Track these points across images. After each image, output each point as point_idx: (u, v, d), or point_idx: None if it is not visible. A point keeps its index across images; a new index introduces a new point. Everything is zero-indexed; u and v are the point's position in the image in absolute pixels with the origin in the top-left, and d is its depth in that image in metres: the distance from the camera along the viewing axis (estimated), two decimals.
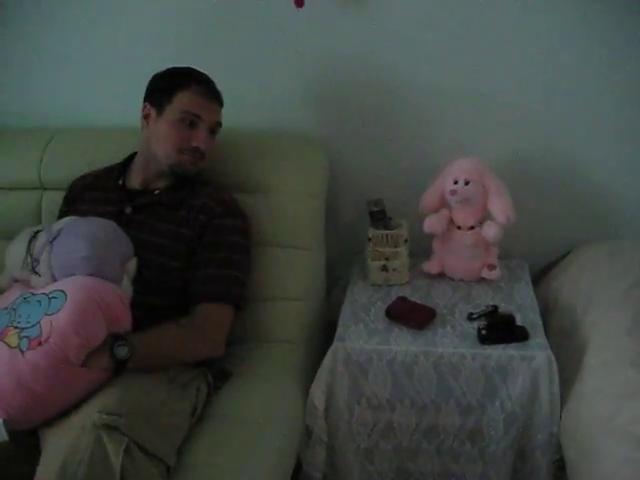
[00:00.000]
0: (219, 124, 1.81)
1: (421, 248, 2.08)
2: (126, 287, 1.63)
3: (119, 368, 1.48)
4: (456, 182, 1.91)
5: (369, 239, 2.02)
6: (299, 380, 1.81)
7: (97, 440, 1.31)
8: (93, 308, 1.44)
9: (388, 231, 2.02)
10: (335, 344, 1.76)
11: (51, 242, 1.62)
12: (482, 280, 2.01)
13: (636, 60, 1.97)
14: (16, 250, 1.67)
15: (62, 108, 2.20)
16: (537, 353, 1.70)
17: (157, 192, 1.80)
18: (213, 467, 1.47)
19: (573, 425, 1.63)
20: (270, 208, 1.88)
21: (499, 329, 1.74)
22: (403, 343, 1.75)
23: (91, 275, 1.54)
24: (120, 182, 1.84)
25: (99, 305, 1.45)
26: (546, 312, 1.97)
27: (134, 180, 1.84)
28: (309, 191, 1.93)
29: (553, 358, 1.70)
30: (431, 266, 2.04)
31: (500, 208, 1.89)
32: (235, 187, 1.88)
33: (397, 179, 2.15)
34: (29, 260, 1.63)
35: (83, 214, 1.77)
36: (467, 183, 1.90)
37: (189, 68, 1.82)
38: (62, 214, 1.87)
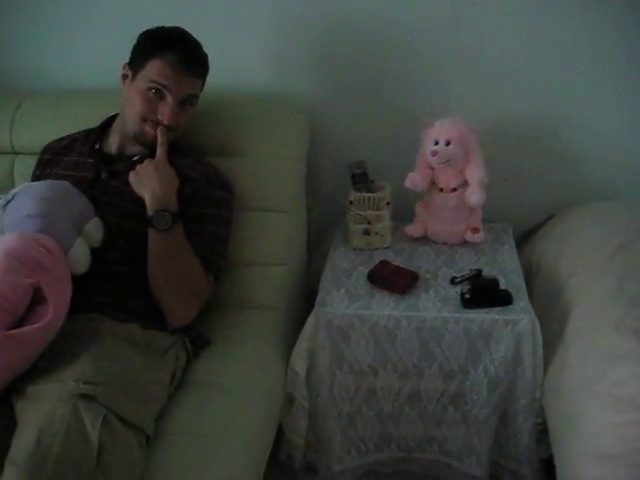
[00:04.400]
0: (193, 96, 1.73)
1: (404, 211, 2.04)
2: (78, 247, 1.58)
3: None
4: (437, 143, 1.87)
5: (351, 202, 1.98)
6: (280, 346, 1.79)
7: (74, 411, 1.27)
8: (7, 265, 1.39)
9: (370, 194, 1.98)
10: (316, 309, 1.73)
11: (4, 206, 1.58)
12: (465, 243, 1.98)
13: (626, 27, 1.93)
14: None
15: (32, 71, 2.14)
16: (521, 317, 1.67)
17: (135, 158, 1.74)
18: (193, 435, 1.44)
19: (556, 389, 1.62)
20: (247, 171, 1.83)
21: (482, 293, 1.71)
22: (385, 308, 1.72)
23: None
24: (97, 146, 1.78)
25: (14, 258, 1.40)
26: (529, 276, 1.95)
27: (111, 144, 1.78)
28: (287, 154, 1.88)
29: (537, 322, 1.67)
30: (414, 229, 2.01)
31: (475, 173, 1.86)
32: (213, 151, 1.83)
33: (380, 141, 2.11)
34: None
35: (58, 178, 1.72)
36: (448, 143, 1.86)
37: (175, 30, 1.73)
38: (35, 178, 1.82)
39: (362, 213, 1.96)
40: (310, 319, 1.73)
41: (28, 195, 1.59)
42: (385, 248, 1.98)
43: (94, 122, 1.82)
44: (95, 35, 2.06)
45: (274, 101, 1.99)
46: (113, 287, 1.63)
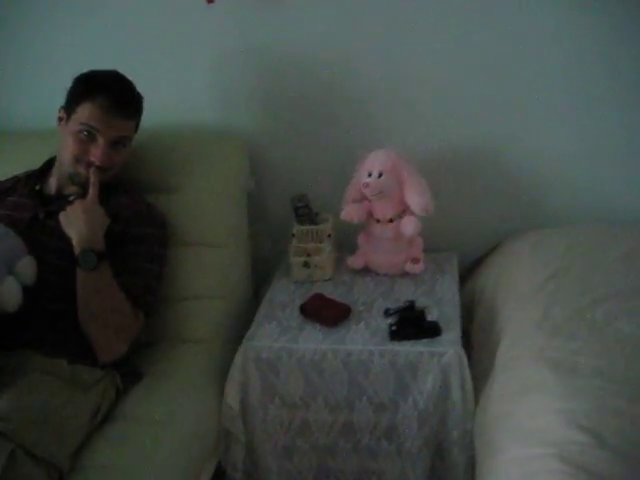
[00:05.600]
0: (125, 137, 1.78)
1: (350, 244, 2.05)
2: (8, 285, 1.60)
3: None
4: (370, 174, 1.88)
5: (293, 235, 2.01)
6: (216, 380, 1.80)
7: None
8: None
9: (312, 226, 2.00)
10: (244, 343, 1.75)
11: None
12: (406, 274, 1.98)
13: (567, 41, 1.93)
14: None
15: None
16: (447, 349, 1.67)
17: (71, 198, 1.79)
18: (110, 468, 1.46)
19: (481, 422, 1.60)
20: (183, 207, 1.87)
21: (410, 325, 1.71)
22: (312, 341, 1.73)
23: None
24: (37, 187, 1.84)
25: None
26: (472, 307, 1.94)
27: (51, 185, 1.84)
28: (222, 189, 1.92)
29: (463, 354, 1.67)
30: (355, 261, 2.02)
31: (416, 201, 1.86)
32: (151, 187, 1.88)
33: (323, 174, 2.13)
34: None
35: (1, 219, 1.78)
36: (380, 175, 1.87)
37: (107, 74, 1.79)
38: None
39: (302, 245, 1.98)
40: (239, 353, 1.74)
41: None
42: (326, 280, 1.99)
43: (36, 164, 1.88)
44: (30, 78, 2.14)
45: (214, 137, 2.04)
46: (44, 323, 1.67)
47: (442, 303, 1.84)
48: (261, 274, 2.17)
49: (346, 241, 2.06)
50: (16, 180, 1.90)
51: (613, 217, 2.04)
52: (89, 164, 1.74)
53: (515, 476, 1.32)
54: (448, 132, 2.06)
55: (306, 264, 1.97)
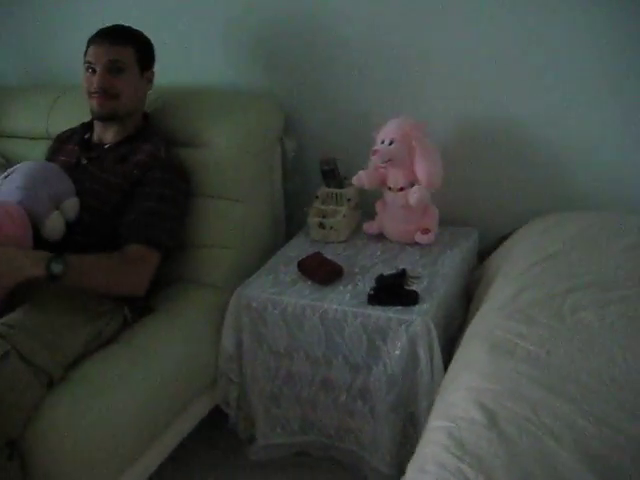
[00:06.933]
0: (118, 61, 1.94)
1: (374, 210, 2.09)
2: (54, 219, 1.86)
3: (53, 283, 1.69)
4: (383, 142, 1.90)
5: (316, 197, 2.08)
6: (221, 323, 1.93)
7: None
8: None
9: (334, 190, 2.06)
10: (237, 291, 1.87)
11: (5, 178, 1.92)
12: (417, 244, 1.98)
13: (599, 23, 1.82)
14: None
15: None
16: (415, 318, 1.68)
17: (106, 146, 2.01)
18: (94, 383, 1.65)
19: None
20: (205, 161, 2.00)
21: (387, 291, 1.74)
22: (296, 296, 1.81)
23: (20, 202, 1.82)
24: (86, 136, 2.08)
25: None
26: (480, 285, 1.90)
27: (95, 134, 2.07)
28: (245, 146, 2.02)
29: (432, 326, 1.67)
30: (370, 226, 2.05)
31: (422, 172, 1.85)
32: (180, 142, 2.03)
33: (353, 139, 2.16)
34: None
35: (59, 164, 2.05)
36: (391, 143, 1.88)
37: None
38: (47, 160, 2.16)
39: (319, 207, 2.05)
40: (232, 299, 1.87)
41: (21, 172, 1.92)
42: (340, 242, 2.05)
43: None
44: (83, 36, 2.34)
45: (246, 96, 2.16)
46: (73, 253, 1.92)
47: (436, 275, 1.84)
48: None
49: (371, 207, 2.09)
50: (72, 131, 2.15)
51: None
52: (96, 92, 1.94)
53: (420, 446, 1.33)
54: (481, 106, 2.00)
55: (321, 225, 2.04)
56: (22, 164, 1.98)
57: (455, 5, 1.92)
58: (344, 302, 1.76)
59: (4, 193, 1.89)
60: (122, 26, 2.00)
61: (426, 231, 1.95)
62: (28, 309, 1.72)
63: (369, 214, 2.10)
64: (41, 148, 2.30)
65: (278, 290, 1.84)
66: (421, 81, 2.04)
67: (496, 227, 2.06)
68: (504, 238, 2.02)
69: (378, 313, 1.71)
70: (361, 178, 1.97)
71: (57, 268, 1.69)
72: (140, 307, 1.92)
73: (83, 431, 1.58)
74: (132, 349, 1.78)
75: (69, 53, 2.23)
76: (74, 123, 2.19)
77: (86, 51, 1.96)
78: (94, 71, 1.95)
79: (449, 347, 1.77)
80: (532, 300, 1.56)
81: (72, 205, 1.94)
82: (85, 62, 1.96)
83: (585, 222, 1.82)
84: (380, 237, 2.05)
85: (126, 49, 1.96)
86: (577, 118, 1.91)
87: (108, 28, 1.98)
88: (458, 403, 1.33)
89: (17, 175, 1.91)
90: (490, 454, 1.18)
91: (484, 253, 2.02)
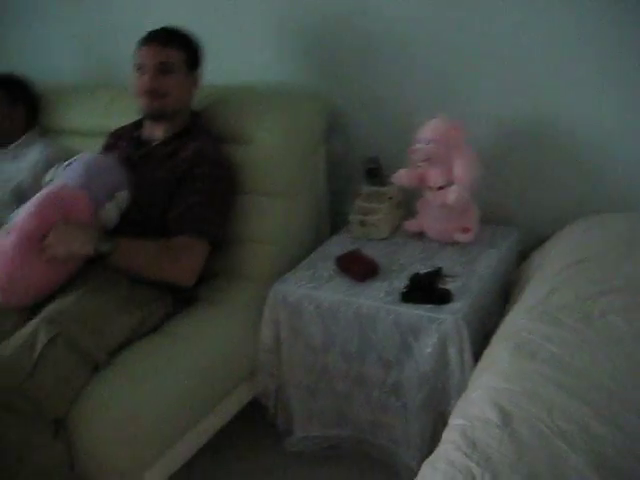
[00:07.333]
0: (166, 63, 2.01)
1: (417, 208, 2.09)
2: (109, 209, 1.96)
3: (101, 260, 1.82)
4: (421, 141, 1.91)
5: (359, 194, 2.11)
6: (260, 315, 1.98)
7: (34, 330, 1.68)
8: (48, 201, 1.83)
9: (376, 188, 2.08)
10: (275, 285, 1.92)
11: (66, 166, 2.04)
12: (456, 243, 1.98)
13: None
14: (50, 174, 2.13)
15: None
16: (446, 317, 1.68)
17: (155, 143, 2.10)
18: (136, 368, 1.73)
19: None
20: (250, 158, 2.05)
21: (420, 290, 1.75)
22: (331, 292, 1.84)
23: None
24: (136, 134, 2.17)
25: (55, 199, 1.84)
26: (518, 285, 1.88)
27: (145, 132, 2.16)
28: (288, 144, 2.06)
29: (463, 325, 1.67)
30: (411, 225, 2.06)
31: (458, 172, 1.85)
32: (228, 139, 2.09)
33: (398, 138, 2.15)
34: (50, 179, 2.07)
35: None
36: (429, 142, 1.88)
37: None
38: None
39: (361, 205, 2.07)
40: (270, 294, 1.92)
41: (81, 162, 2.03)
42: (381, 240, 2.06)
43: None
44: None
45: (293, 95, 2.20)
46: None
47: (473, 274, 1.83)
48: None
49: (415, 206, 2.10)
50: (125, 129, 2.25)
51: None
52: (145, 93, 2.02)
53: (440, 444, 1.34)
54: (527, 105, 1.99)
55: (362, 222, 2.06)
56: (83, 154, 2.08)
57: (495, 8, 1.92)
58: (378, 299, 1.78)
59: (65, 178, 2.00)
60: (171, 28, 2.07)
61: (466, 230, 1.95)
62: (78, 296, 1.81)
63: (412, 213, 2.11)
64: (97, 144, 2.40)
65: (314, 285, 1.88)
66: (468, 81, 2.04)
67: (540, 227, 2.03)
68: (547, 238, 2.00)
69: (410, 311, 1.73)
70: (401, 176, 1.98)
71: (105, 246, 1.81)
72: (185, 297, 2.00)
73: (125, 413, 1.66)
74: (175, 337, 1.85)
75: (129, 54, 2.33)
76: (131, 121, 2.29)
77: (136, 52, 2.04)
78: (144, 72, 2.02)
79: (484, 347, 1.77)
80: (561, 302, 1.54)
81: (125, 198, 2.03)
82: (135, 63, 2.04)
83: (627, 224, 1.78)
84: (421, 235, 2.06)
85: (175, 51, 2.03)
86: (623, 119, 1.87)
87: (157, 30, 2.06)
88: (476, 402, 1.34)
89: (77, 165, 2.01)
90: (499, 453, 1.19)
91: (526, 253, 1.99)
